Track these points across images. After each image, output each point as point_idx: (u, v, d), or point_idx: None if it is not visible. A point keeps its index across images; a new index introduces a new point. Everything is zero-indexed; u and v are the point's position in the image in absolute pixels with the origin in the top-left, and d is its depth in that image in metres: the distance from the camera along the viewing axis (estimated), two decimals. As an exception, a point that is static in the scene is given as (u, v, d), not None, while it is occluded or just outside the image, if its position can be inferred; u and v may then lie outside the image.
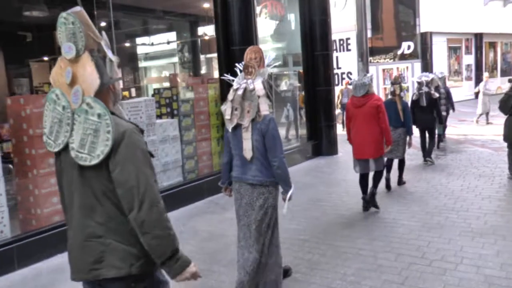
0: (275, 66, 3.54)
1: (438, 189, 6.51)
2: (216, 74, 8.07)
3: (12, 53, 8.97)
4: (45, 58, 10.05)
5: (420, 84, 8.21)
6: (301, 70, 10.00)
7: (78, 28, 1.84)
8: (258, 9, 9.56)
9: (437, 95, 8.36)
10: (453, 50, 23.30)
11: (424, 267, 3.98)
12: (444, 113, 9.60)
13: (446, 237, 4.67)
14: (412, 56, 21.01)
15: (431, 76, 8.84)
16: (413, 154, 8.81)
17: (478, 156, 8.82)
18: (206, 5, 7.90)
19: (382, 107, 5.40)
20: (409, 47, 21.13)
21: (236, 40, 7.39)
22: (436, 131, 8.93)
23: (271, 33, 10.03)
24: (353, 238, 4.84)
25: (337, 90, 15.64)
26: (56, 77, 1.92)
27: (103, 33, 1.96)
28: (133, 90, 10.24)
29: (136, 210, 1.78)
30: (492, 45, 25.40)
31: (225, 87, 7.56)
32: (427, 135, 8.31)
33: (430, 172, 7.63)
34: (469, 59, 24.06)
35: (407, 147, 6.65)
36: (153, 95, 7.36)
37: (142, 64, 12.66)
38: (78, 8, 1.89)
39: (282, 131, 9.25)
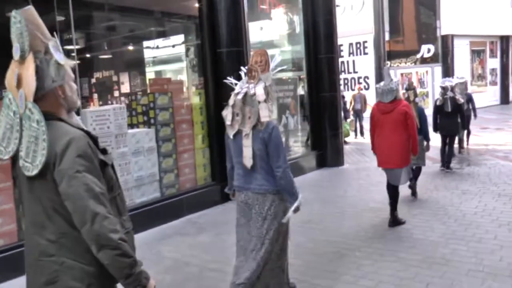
0: (280, 70, 3.34)
1: (448, 212, 5.63)
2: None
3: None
4: None
5: (444, 89, 7.93)
6: (302, 75, 9.23)
7: (24, 28, 1.72)
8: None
9: (462, 100, 8.15)
10: (477, 54, 22.19)
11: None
12: None
13: (449, 277, 3.82)
14: (432, 60, 20.07)
15: (454, 81, 8.60)
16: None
17: (499, 170, 7.87)
18: (192, 4, 7.18)
19: (410, 113, 5.19)
20: (429, 50, 20.19)
21: (223, 42, 6.72)
22: (459, 136, 8.75)
23: (271, 35, 9.23)
24: (338, 274, 4.05)
25: (349, 95, 14.86)
26: (9, 80, 1.80)
27: (55, 34, 1.82)
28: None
29: (90, 224, 1.63)
30: (520, 48, 24.16)
31: (211, 93, 6.90)
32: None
33: (442, 190, 6.74)
34: (494, 63, 22.96)
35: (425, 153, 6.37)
36: (128, 103, 6.70)
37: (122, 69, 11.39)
38: (28, 7, 1.77)
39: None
